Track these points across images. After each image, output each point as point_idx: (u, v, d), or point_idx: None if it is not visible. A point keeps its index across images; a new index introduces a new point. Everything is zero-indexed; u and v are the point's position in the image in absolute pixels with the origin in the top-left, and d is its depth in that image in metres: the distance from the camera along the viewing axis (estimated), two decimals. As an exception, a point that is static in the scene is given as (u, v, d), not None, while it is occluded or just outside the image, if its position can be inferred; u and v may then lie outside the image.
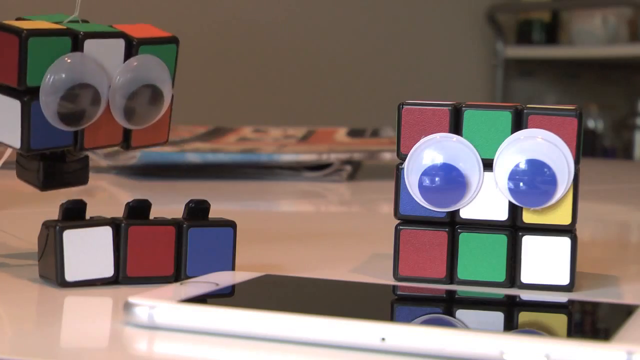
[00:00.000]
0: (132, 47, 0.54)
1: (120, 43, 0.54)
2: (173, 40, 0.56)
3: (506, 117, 0.52)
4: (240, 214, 0.87)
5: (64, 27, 0.53)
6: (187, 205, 0.53)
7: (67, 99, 0.52)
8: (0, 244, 0.65)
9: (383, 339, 0.40)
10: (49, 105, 0.52)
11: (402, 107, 0.54)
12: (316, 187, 1.10)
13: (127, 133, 0.56)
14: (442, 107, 0.53)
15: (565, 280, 0.52)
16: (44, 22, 0.53)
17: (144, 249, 0.51)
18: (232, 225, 0.53)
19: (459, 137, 0.53)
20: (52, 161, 0.56)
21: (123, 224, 0.51)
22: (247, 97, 2.40)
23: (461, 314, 0.46)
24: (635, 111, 2.79)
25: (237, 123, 1.59)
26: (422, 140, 0.53)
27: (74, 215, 0.51)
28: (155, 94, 0.55)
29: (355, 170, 1.17)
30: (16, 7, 2.06)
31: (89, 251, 0.50)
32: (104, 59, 0.53)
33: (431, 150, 0.53)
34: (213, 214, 0.53)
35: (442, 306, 0.47)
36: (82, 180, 0.58)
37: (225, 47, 2.35)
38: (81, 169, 0.58)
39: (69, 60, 0.52)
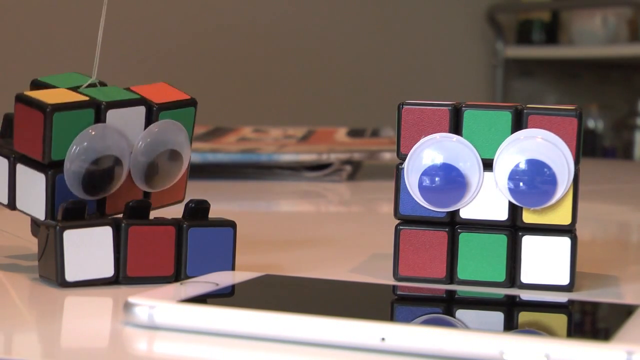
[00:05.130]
0: (152, 112, 0.55)
1: (141, 110, 0.54)
2: (191, 103, 0.56)
3: (506, 117, 0.52)
4: (240, 214, 0.87)
5: (87, 98, 0.53)
6: (187, 205, 0.53)
7: (90, 170, 0.52)
8: (0, 244, 0.65)
9: (383, 339, 0.40)
10: (72, 177, 0.52)
11: (402, 107, 0.54)
12: (316, 187, 1.10)
13: (145, 194, 0.57)
14: (442, 107, 0.53)
15: (565, 280, 0.52)
16: (64, 91, 0.54)
17: (144, 249, 0.51)
18: (232, 225, 0.53)
19: (459, 137, 0.53)
20: None
21: (123, 224, 0.51)
22: (247, 97, 2.40)
23: (461, 314, 0.46)
24: (635, 111, 2.79)
25: (237, 123, 1.59)
26: (422, 140, 0.53)
27: (74, 215, 0.51)
28: (174, 157, 0.55)
29: (355, 170, 1.17)
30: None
31: (89, 251, 0.50)
32: (126, 127, 0.54)
33: (431, 150, 0.53)
34: (213, 214, 0.53)
35: (442, 306, 0.47)
36: None
37: (225, 48, 2.35)
38: None
39: (93, 133, 0.52)
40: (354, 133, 1.35)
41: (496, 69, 2.84)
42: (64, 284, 0.50)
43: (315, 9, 2.51)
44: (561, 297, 0.50)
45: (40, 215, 0.53)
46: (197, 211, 0.53)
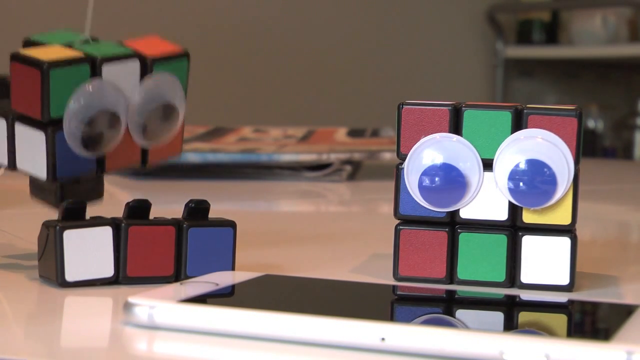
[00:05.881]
0: (146, 66, 0.55)
1: (136, 63, 0.54)
2: (184, 55, 0.56)
3: (506, 117, 0.52)
4: (240, 214, 0.87)
5: (82, 54, 0.53)
6: (187, 205, 0.53)
7: (89, 127, 0.52)
8: (0, 244, 0.65)
9: (383, 339, 0.40)
10: (72, 134, 0.52)
11: (402, 107, 0.54)
12: (316, 187, 1.10)
13: (143, 150, 0.57)
14: (442, 107, 0.53)
15: (565, 280, 0.52)
16: (58, 48, 0.53)
17: (144, 249, 0.51)
18: (232, 225, 0.53)
19: (459, 137, 0.53)
20: (68, 181, 0.56)
21: (123, 224, 0.51)
22: (247, 97, 2.40)
23: (461, 314, 0.46)
24: (635, 111, 2.79)
25: (237, 123, 1.59)
26: (422, 140, 0.53)
27: (74, 215, 0.51)
28: (170, 111, 0.55)
29: (355, 170, 1.17)
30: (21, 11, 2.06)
31: (89, 251, 0.50)
32: (121, 81, 0.54)
33: (431, 150, 0.53)
34: (213, 214, 0.53)
35: (442, 306, 0.47)
36: (98, 195, 0.58)
37: (225, 47, 2.35)
38: (97, 185, 0.58)
39: (90, 88, 0.52)
40: (354, 133, 1.35)
41: (496, 69, 2.84)
42: (64, 284, 0.50)
43: (315, 9, 2.51)
44: (561, 297, 0.50)
45: (42, 174, 0.53)
46: (197, 211, 0.53)
